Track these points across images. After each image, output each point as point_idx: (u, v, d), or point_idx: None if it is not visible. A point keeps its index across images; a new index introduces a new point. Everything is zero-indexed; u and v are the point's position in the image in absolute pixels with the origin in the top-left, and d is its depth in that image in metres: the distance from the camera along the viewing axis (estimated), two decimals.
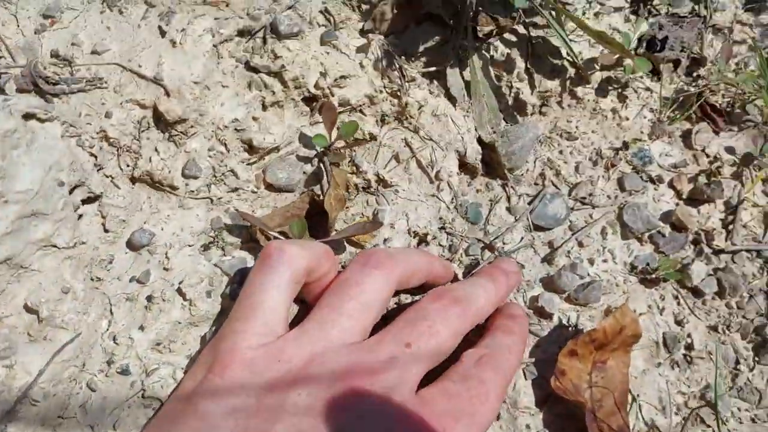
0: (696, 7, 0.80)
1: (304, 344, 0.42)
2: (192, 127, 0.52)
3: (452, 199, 0.64)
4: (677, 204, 0.69)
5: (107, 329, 0.50)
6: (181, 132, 0.52)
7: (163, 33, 0.52)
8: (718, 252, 0.67)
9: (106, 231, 0.52)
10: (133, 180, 0.53)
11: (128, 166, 0.53)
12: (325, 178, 0.58)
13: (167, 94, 0.51)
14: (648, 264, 0.66)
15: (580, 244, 0.66)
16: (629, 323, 0.57)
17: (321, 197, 0.56)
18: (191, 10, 0.53)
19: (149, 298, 0.51)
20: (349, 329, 0.44)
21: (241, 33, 0.55)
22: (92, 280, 0.52)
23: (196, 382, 0.41)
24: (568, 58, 0.66)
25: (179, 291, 0.51)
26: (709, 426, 0.61)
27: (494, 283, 0.55)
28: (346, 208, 0.61)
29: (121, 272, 0.52)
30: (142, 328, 0.50)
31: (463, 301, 0.50)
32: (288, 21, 0.55)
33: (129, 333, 0.49)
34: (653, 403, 0.61)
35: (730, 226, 0.68)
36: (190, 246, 0.53)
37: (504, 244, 0.65)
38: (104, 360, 0.50)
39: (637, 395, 0.61)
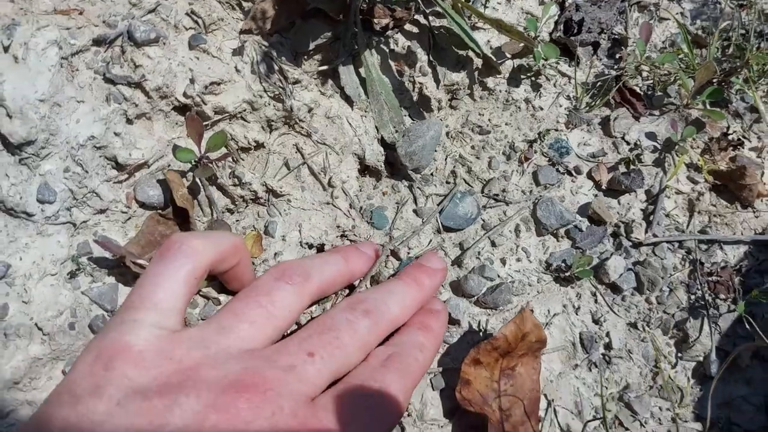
0: None
1: (197, 345, 0.39)
2: (43, 148, 0.49)
3: (350, 205, 0.60)
4: (595, 196, 0.66)
5: None
6: (33, 154, 0.49)
7: (5, 48, 0.48)
8: (637, 245, 0.64)
9: None
10: None
11: None
12: (202, 192, 0.55)
13: (9, 115, 0.47)
14: (564, 261, 0.63)
15: (493, 244, 0.63)
16: (531, 329, 0.54)
17: (164, 212, 0.53)
18: (36, 21, 0.49)
19: (5, 335, 0.47)
20: (249, 336, 0.42)
21: (97, 42, 0.51)
22: None
23: (79, 374, 0.38)
24: (473, 48, 0.62)
25: (37, 326, 0.47)
26: (627, 429, 0.58)
27: (415, 286, 0.52)
28: (236, 221, 0.58)
29: None
30: None
31: (375, 312, 0.47)
32: (144, 27, 0.51)
33: None
34: (569, 408, 0.58)
35: (651, 217, 0.65)
36: (52, 275, 0.49)
37: (409, 248, 0.61)
38: None
39: (552, 400, 0.58)
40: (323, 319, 0.46)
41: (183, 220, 0.52)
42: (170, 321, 0.41)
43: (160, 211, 0.53)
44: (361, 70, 0.62)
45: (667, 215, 0.66)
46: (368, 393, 0.43)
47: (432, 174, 0.66)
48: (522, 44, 0.66)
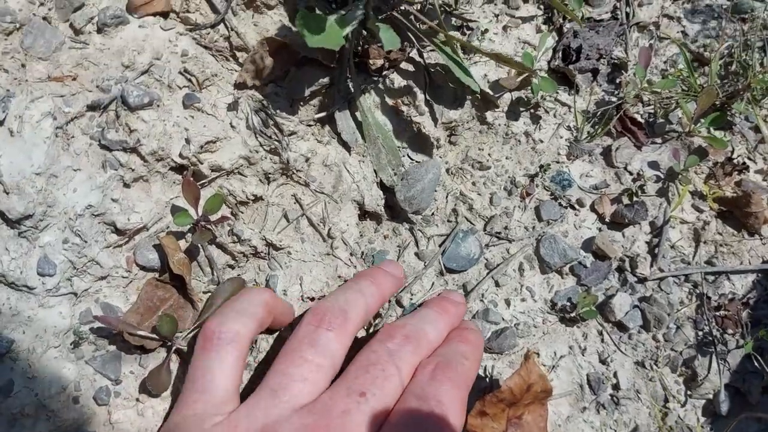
0: (618, 3, 0.75)
1: (256, 417, 0.42)
2: (41, 220, 0.49)
3: (351, 253, 0.60)
4: (599, 230, 0.65)
5: None
6: (31, 227, 0.48)
7: (1, 122, 0.48)
8: (642, 280, 0.63)
9: None
10: None
11: None
12: (202, 253, 0.54)
13: (6, 191, 0.47)
14: (569, 299, 0.62)
15: (497, 284, 0.63)
16: (536, 380, 0.54)
17: (162, 277, 0.53)
18: (30, 91, 0.49)
19: (12, 413, 0.47)
20: (301, 393, 0.43)
21: (91, 108, 0.51)
22: None
23: None
24: (470, 86, 0.61)
25: (41, 404, 0.47)
26: None
27: (444, 313, 0.53)
28: (237, 275, 0.57)
29: None
30: None
31: (414, 337, 0.49)
32: (137, 92, 0.51)
33: None
34: None
35: (656, 250, 0.64)
36: (55, 347, 0.50)
37: (412, 294, 0.61)
38: None
39: None
40: (365, 355, 0.47)
41: (181, 284, 0.52)
42: (228, 406, 0.44)
43: (156, 276, 0.53)
44: (358, 114, 0.62)
45: (673, 246, 0.65)
46: (422, 416, 0.44)
47: (433, 214, 0.65)
48: (519, 78, 0.65)
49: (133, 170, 0.52)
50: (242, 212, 0.58)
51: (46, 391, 0.48)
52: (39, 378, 0.48)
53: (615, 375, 0.60)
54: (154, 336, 0.50)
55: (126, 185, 0.52)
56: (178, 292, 0.52)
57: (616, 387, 0.60)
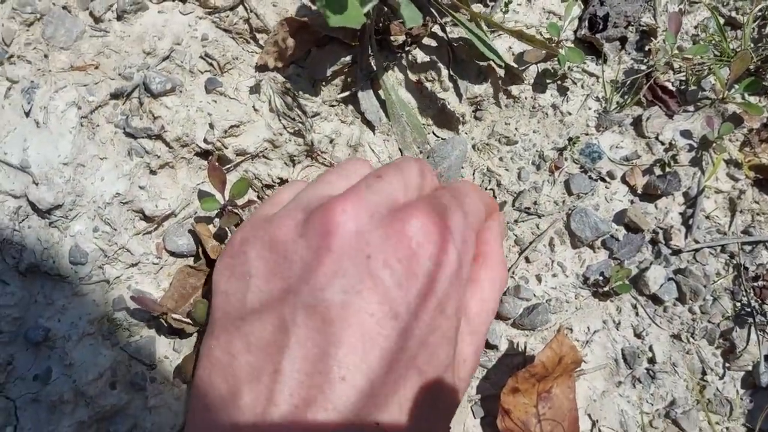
0: None
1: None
2: (71, 210, 0.49)
3: None
4: (631, 202, 0.64)
5: None
6: (62, 216, 0.49)
7: (27, 113, 0.48)
8: (677, 252, 0.62)
9: (0, 332, 0.49)
10: (23, 273, 0.50)
11: (14, 258, 0.49)
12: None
13: (35, 182, 0.47)
14: (602, 274, 0.61)
15: (527, 260, 0.62)
16: (567, 351, 0.53)
17: (197, 264, 0.53)
18: (53, 81, 0.49)
19: (51, 400, 0.48)
20: None
21: (115, 96, 0.51)
22: None
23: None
24: (494, 59, 0.60)
25: (79, 390, 0.48)
26: None
27: None
28: None
29: (23, 371, 0.49)
30: None
31: None
32: (159, 78, 0.51)
33: None
34: (614, 427, 0.57)
35: (690, 221, 0.62)
36: (90, 335, 0.50)
37: None
38: None
39: (597, 420, 0.57)
40: None
41: None
42: None
43: (189, 264, 0.53)
44: (381, 93, 0.61)
45: (707, 217, 0.63)
46: None
47: None
48: (543, 51, 0.64)
49: (158, 157, 0.52)
50: (268, 196, 0.58)
51: (83, 378, 0.49)
52: (76, 365, 0.49)
53: (650, 348, 0.59)
54: (189, 321, 0.50)
55: (152, 172, 0.53)
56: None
57: (651, 361, 0.59)
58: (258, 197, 0.57)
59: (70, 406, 0.48)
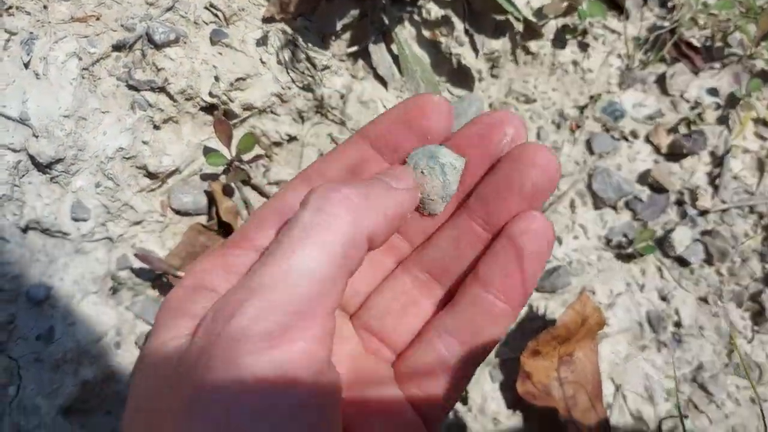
0: None
1: None
2: (72, 164, 0.47)
3: None
4: (656, 162, 0.61)
5: (16, 396, 0.47)
6: (63, 171, 0.47)
7: (26, 65, 0.46)
8: (704, 213, 0.59)
9: (1, 290, 0.48)
10: (24, 229, 0.48)
11: (15, 215, 0.48)
12: (237, 195, 0.52)
13: (35, 135, 0.45)
14: (625, 235, 0.59)
15: None
16: (591, 313, 0.51)
17: (209, 223, 0.51)
18: (53, 32, 0.47)
19: (54, 359, 0.46)
20: None
21: (117, 48, 0.49)
22: None
23: None
24: (512, 12, 0.57)
25: (83, 350, 0.46)
26: (702, 412, 0.54)
27: None
28: None
29: (26, 331, 0.48)
30: (49, 395, 0.46)
31: None
32: (163, 28, 0.48)
33: (34, 401, 0.46)
34: (639, 392, 0.55)
35: (717, 181, 0.60)
36: (94, 293, 0.48)
37: None
38: None
39: (620, 385, 0.55)
40: None
41: (227, 232, 0.50)
42: None
43: (201, 222, 0.51)
44: (394, 47, 0.59)
45: (735, 177, 0.61)
46: None
47: None
48: (565, 3, 0.61)
49: (162, 111, 0.50)
50: (276, 154, 0.56)
51: (87, 337, 0.47)
52: (79, 324, 0.47)
53: (676, 312, 0.57)
54: None
55: (156, 127, 0.50)
56: (224, 239, 0.51)
57: (677, 324, 0.57)
58: (266, 155, 0.55)
59: (74, 366, 0.46)
